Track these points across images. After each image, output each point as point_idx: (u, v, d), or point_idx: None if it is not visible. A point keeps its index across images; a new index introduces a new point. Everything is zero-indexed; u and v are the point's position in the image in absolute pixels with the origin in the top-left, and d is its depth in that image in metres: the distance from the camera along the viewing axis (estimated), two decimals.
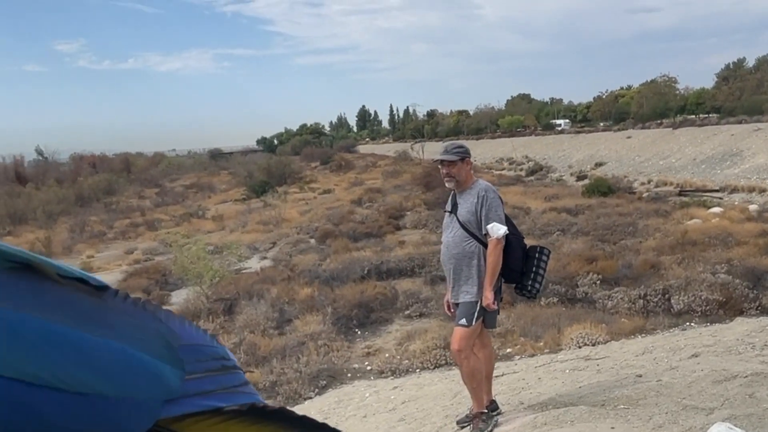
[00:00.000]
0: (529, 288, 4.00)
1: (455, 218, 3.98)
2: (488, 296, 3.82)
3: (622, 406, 3.89)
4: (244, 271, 14.44)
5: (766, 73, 58.24)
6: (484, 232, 3.87)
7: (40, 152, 60.56)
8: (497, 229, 3.83)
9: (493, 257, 3.85)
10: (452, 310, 4.11)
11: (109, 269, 18.84)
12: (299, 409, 6.14)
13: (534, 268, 3.98)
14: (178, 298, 13.10)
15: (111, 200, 40.05)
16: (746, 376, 4.02)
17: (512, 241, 3.92)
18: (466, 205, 3.95)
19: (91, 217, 31.54)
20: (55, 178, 45.66)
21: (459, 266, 3.93)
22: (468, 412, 4.20)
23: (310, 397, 6.89)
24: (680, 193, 25.53)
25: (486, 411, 4.07)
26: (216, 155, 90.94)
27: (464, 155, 4.02)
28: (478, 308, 3.86)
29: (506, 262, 3.93)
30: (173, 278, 14.85)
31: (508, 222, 3.95)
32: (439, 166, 4.07)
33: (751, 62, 64.86)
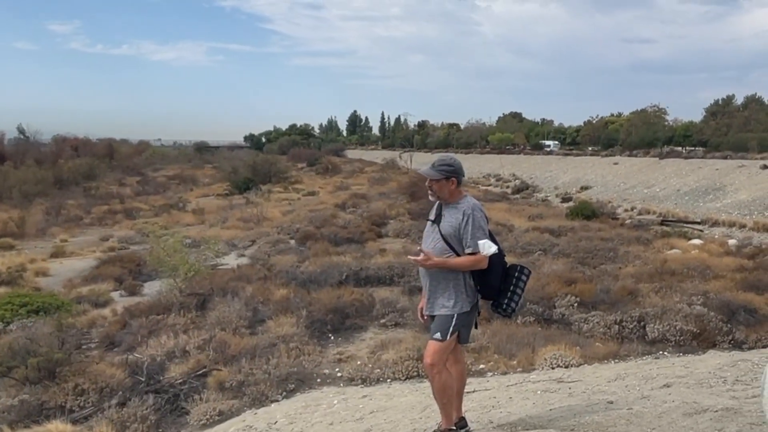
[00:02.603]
0: (504, 306, 3.93)
1: (437, 229, 3.91)
2: (435, 259, 3.78)
3: None
4: (220, 268, 14.28)
5: (753, 111, 59.15)
6: (468, 251, 3.79)
7: (21, 131, 59.47)
8: (488, 247, 3.76)
9: (470, 261, 3.77)
10: (425, 318, 4.04)
11: (83, 255, 18.57)
12: (265, 412, 6.02)
13: (512, 287, 3.92)
14: (151, 290, 12.93)
15: (91, 185, 39.56)
16: (717, 411, 4.00)
17: (493, 259, 3.86)
18: (451, 219, 3.88)
19: (69, 200, 31.15)
20: (35, 159, 44.84)
21: (436, 279, 3.86)
22: (436, 427, 4.13)
23: (278, 400, 6.79)
24: (662, 223, 25.74)
25: (454, 428, 4.00)
26: (202, 148, 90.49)
27: (449, 174, 3.88)
28: (453, 323, 3.79)
29: (485, 278, 3.86)
30: (147, 269, 14.68)
31: (492, 240, 3.89)
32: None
33: (739, 100, 65.90)
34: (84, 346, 9.10)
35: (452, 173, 3.88)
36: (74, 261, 17.62)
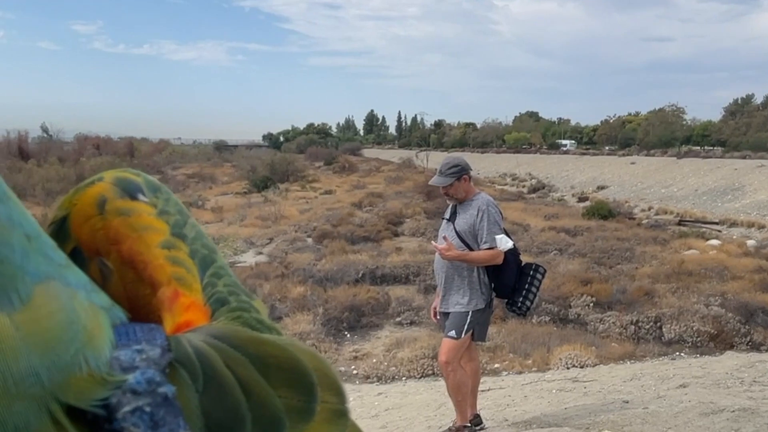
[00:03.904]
0: (519, 305, 3.96)
1: (452, 227, 3.95)
2: (455, 251, 3.81)
3: (607, 431, 3.86)
4: (238, 265, 14.39)
5: None
6: (484, 246, 3.83)
7: (45, 129, 60.45)
8: (505, 242, 3.80)
9: (487, 255, 3.81)
10: (438, 318, 4.09)
11: None
12: None
13: (527, 286, 3.94)
14: None
15: None
16: (733, 411, 4.00)
17: (508, 257, 3.89)
18: (465, 216, 3.92)
19: None
20: (57, 157, 45.48)
21: (451, 276, 3.91)
22: (451, 424, 4.17)
23: None
24: (680, 223, 25.50)
25: (469, 425, 4.04)
26: (221, 147, 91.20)
27: (459, 174, 3.92)
28: (468, 321, 3.84)
29: (499, 276, 3.90)
30: None
31: (507, 236, 3.92)
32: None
33: (759, 99, 65.16)
34: None
35: (461, 171, 3.94)
36: None
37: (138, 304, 0.51)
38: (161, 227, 0.54)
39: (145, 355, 0.38)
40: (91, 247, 0.53)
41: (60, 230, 0.55)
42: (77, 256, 0.52)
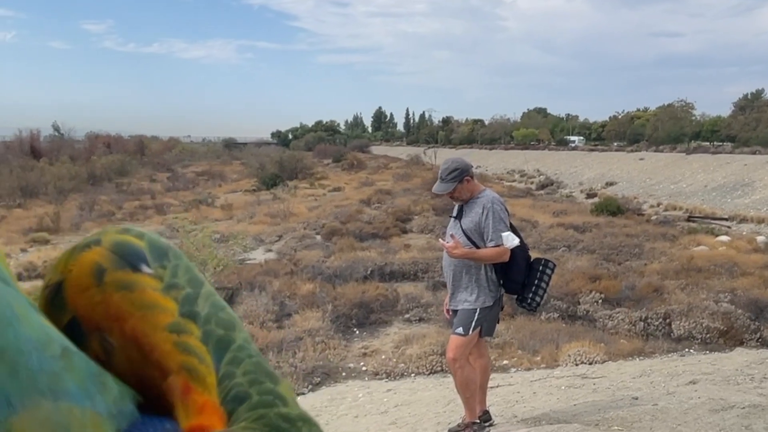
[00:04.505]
0: (529, 301, 3.97)
1: (459, 225, 3.97)
2: (463, 249, 3.82)
3: (617, 428, 3.87)
4: (248, 262, 14.46)
5: None
6: (490, 244, 3.85)
7: (56, 128, 61.03)
8: (511, 239, 3.81)
9: (494, 252, 3.82)
10: (450, 315, 4.11)
11: None
12: None
13: (536, 281, 3.96)
14: None
15: (122, 181, 40.25)
16: (743, 408, 4.00)
17: (516, 253, 3.90)
18: (471, 214, 3.94)
19: (102, 196, 31.67)
20: (69, 155, 45.92)
21: (459, 273, 3.92)
22: (460, 421, 4.19)
23: (303, 393, 6.89)
24: (689, 219, 25.40)
25: (478, 421, 4.06)
26: (230, 145, 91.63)
27: (460, 177, 3.90)
28: (476, 318, 3.85)
29: (508, 273, 3.91)
30: None
31: (514, 233, 3.94)
32: None
33: None
34: None
35: (462, 174, 3.91)
36: None
37: (147, 384, 0.47)
38: (169, 306, 0.49)
39: None
40: (91, 321, 0.48)
41: (56, 298, 0.50)
42: (75, 329, 0.48)
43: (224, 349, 0.49)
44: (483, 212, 3.86)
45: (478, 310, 3.85)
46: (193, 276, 0.52)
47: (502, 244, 3.80)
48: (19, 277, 14.61)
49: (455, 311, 3.98)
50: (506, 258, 3.84)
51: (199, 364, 0.47)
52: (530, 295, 3.95)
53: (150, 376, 0.47)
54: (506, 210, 3.98)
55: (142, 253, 0.50)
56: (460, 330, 3.85)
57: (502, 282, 3.94)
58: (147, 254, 0.50)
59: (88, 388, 0.38)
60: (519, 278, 3.93)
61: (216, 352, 0.49)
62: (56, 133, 60.09)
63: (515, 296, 4.05)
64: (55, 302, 0.49)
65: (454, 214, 4.09)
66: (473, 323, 3.84)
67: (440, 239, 4.12)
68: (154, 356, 0.47)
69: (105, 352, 0.48)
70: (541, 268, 3.98)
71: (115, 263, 0.49)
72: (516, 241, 3.82)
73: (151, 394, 0.46)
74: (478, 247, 3.87)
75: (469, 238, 3.89)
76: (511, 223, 3.98)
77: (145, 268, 0.50)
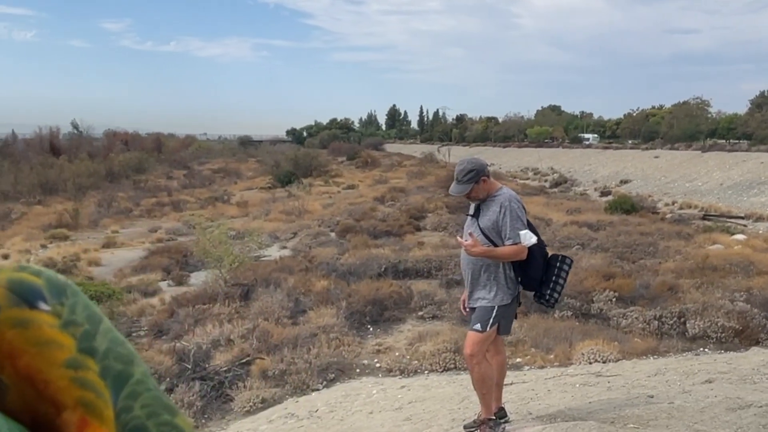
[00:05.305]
0: (548, 297, 3.99)
1: (476, 224, 3.99)
2: (481, 247, 3.82)
3: (632, 426, 3.88)
4: (263, 259, 14.56)
5: None
6: (508, 243, 3.86)
7: (75, 126, 61.73)
8: (529, 237, 3.83)
9: (512, 250, 3.83)
10: (467, 311, 4.13)
11: (132, 246, 19.12)
12: (306, 400, 6.21)
13: (554, 278, 3.96)
14: (197, 280, 13.26)
15: (140, 178, 40.68)
16: (761, 406, 3.99)
17: (534, 250, 3.91)
18: (489, 213, 3.95)
19: (119, 193, 31.98)
20: (87, 152, 46.49)
21: (477, 272, 3.94)
22: (476, 417, 4.22)
23: (318, 389, 6.95)
24: (704, 217, 25.21)
25: (494, 418, 4.09)
26: (245, 142, 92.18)
27: (477, 178, 3.90)
28: (494, 315, 3.88)
29: (526, 270, 3.93)
30: (194, 260, 15.05)
31: (532, 230, 3.95)
32: None
33: None
34: (134, 334, 9.42)
35: (478, 175, 3.91)
36: (124, 251, 18.16)
37: (41, 421, 0.46)
38: (66, 342, 0.48)
39: None
40: None
41: None
42: None
43: (123, 383, 0.49)
44: (500, 211, 3.88)
45: (496, 307, 3.87)
46: (91, 312, 0.51)
47: (520, 243, 3.82)
48: None
49: (473, 308, 4.00)
50: (524, 256, 3.86)
51: (96, 398, 0.47)
52: (548, 291, 3.97)
53: (45, 413, 0.46)
54: (523, 208, 3.99)
55: (39, 291, 0.49)
56: (478, 326, 3.87)
57: (520, 279, 3.95)
58: (45, 291, 0.50)
59: None
60: (537, 275, 3.95)
61: (114, 387, 0.48)
62: (75, 131, 60.78)
63: (533, 293, 4.06)
64: None
65: (471, 212, 4.10)
66: (491, 320, 3.86)
67: (458, 237, 4.13)
68: (49, 392, 0.46)
69: None
70: (558, 264, 3.99)
71: (10, 301, 0.48)
72: (533, 239, 3.83)
73: (46, 431, 0.46)
74: (495, 246, 3.89)
75: (486, 237, 3.91)
76: (528, 221, 3.99)
77: (42, 305, 0.49)
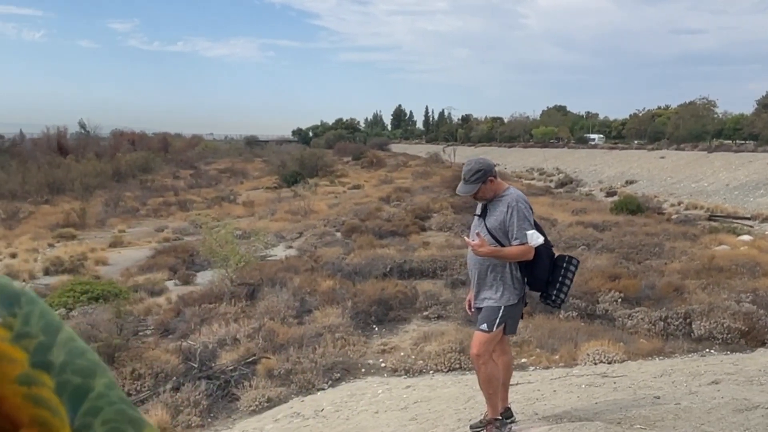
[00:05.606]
0: (554, 298, 3.99)
1: (483, 224, 4.00)
2: (488, 247, 3.83)
3: (639, 426, 3.89)
4: (269, 259, 14.59)
5: None
6: (515, 243, 3.87)
7: (83, 125, 61.95)
8: (536, 238, 3.83)
9: (519, 250, 3.84)
10: (472, 311, 4.14)
11: (139, 245, 19.21)
12: (312, 400, 6.23)
13: (560, 278, 3.97)
14: (203, 279, 13.31)
15: (147, 178, 40.86)
16: None
17: (540, 250, 3.92)
18: (496, 213, 3.96)
19: (126, 192, 32.11)
20: (94, 152, 46.73)
21: (483, 272, 3.95)
22: (482, 417, 4.22)
23: (323, 389, 6.97)
24: (710, 218, 25.13)
25: (500, 418, 4.09)
26: (252, 142, 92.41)
27: (484, 178, 3.92)
28: (500, 315, 3.88)
29: (533, 270, 3.93)
30: (200, 259, 15.10)
31: (539, 231, 3.95)
32: None
33: None
34: (141, 333, 9.46)
35: (485, 175, 3.92)
36: (131, 251, 18.25)
37: None
38: (18, 357, 0.45)
39: None
40: None
41: None
42: None
43: (81, 398, 0.46)
44: (508, 211, 3.88)
45: (502, 307, 3.87)
46: (49, 321, 0.48)
47: (527, 243, 3.82)
48: (46, 272, 14.91)
49: (479, 309, 4.01)
50: (531, 256, 3.86)
51: (52, 417, 0.44)
52: (554, 292, 3.97)
53: (2, 428, 0.44)
54: (530, 208, 4.00)
55: None
56: (484, 326, 3.88)
57: (526, 280, 3.96)
58: None
59: None
60: (543, 276, 3.95)
61: (71, 403, 0.46)
62: (82, 131, 60.99)
63: (539, 293, 4.06)
64: None
65: (479, 212, 4.11)
66: (497, 320, 3.87)
67: (465, 236, 4.14)
68: (5, 409, 0.44)
69: None
70: (564, 265, 3.99)
71: None
72: (540, 240, 3.84)
73: None
74: (502, 246, 3.89)
75: (493, 237, 3.91)
76: (535, 221, 4.00)
77: None
